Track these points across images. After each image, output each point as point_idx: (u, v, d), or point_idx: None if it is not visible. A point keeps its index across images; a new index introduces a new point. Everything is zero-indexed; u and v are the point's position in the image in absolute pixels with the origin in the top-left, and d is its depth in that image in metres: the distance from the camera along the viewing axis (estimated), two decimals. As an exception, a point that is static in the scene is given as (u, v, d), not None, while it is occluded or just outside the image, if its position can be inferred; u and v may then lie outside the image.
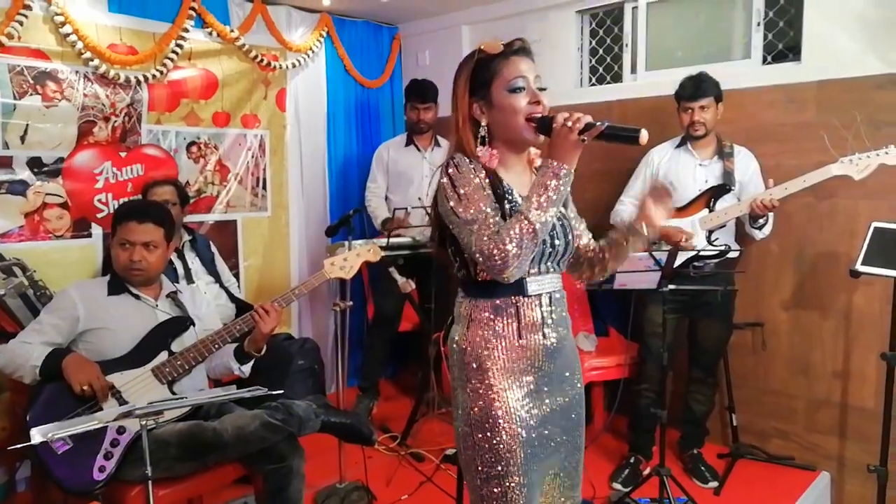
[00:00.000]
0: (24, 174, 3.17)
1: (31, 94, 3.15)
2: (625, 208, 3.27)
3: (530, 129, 1.58)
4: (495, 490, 1.59)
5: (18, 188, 3.16)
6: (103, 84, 3.38)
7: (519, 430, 1.58)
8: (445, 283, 3.24)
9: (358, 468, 3.01)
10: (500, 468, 1.58)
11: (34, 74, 3.15)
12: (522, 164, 1.70)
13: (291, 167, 4.30)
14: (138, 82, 3.49)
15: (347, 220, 3.11)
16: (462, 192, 1.55)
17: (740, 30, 3.57)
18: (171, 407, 1.97)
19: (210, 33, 3.78)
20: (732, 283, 3.16)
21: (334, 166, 4.52)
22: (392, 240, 3.53)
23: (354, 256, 2.68)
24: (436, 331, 3.48)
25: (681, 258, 2.79)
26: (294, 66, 4.20)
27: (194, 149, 3.82)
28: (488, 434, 1.58)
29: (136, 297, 2.41)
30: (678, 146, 3.22)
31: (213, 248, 3.48)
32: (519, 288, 1.61)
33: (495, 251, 1.46)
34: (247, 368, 2.47)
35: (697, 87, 3.03)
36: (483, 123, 1.62)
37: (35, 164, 3.20)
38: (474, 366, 1.62)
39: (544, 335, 1.64)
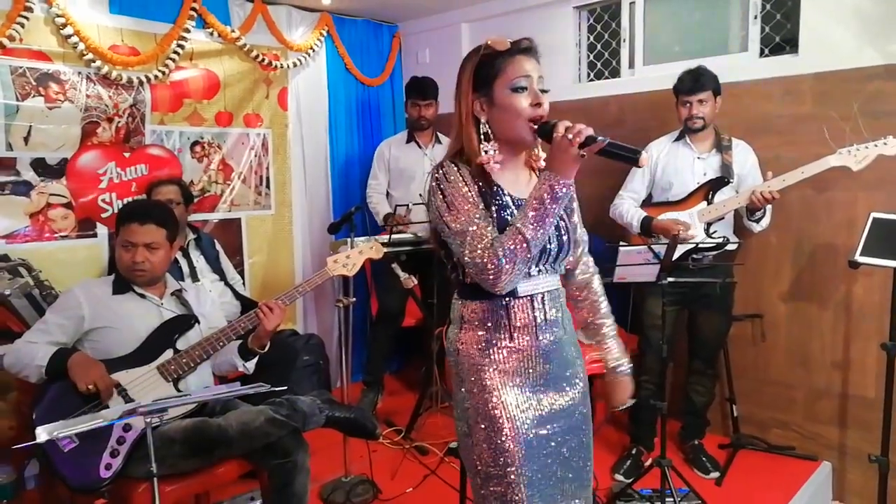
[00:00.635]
0: (28, 175, 3.20)
1: (34, 96, 3.18)
2: (623, 202, 3.28)
3: (530, 132, 1.56)
4: (496, 489, 1.59)
5: (22, 189, 3.19)
6: (106, 85, 3.41)
7: (515, 430, 1.58)
8: (447, 279, 3.26)
9: (363, 462, 3.04)
10: (498, 468, 1.58)
11: (37, 76, 3.18)
12: (519, 164, 1.68)
13: (294, 165, 4.33)
14: (141, 83, 3.52)
15: (349, 218, 3.14)
16: (450, 200, 1.54)
17: (737, 23, 3.57)
18: (176, 404, 1.99)
19: (211, 33, 3.81)
20: (731, 276, 3.17)
21: (336, 164, 4.55)
22: (394, 236, 3.56)
23: (357, 254, 2.70)
24: (438, 326, 3.51)
25: (680, 251, 2.81)
26: (295, 65, 4.22)
27: (198, 148, 3.85)
28: (486, 434, 1.59)
29: (142, 295, 2.43)
30: (676, 140, 3.24)
31: (218, 247, 3.51)
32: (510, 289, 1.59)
33: (489, 265, 1.47)
34: (251, 365, 2.48)
35: (696, 81, 3.04)
36: (483, 120, 1.60)
37: (39, 165, 3.23)
38: (469, 367, 1.62)
39: (537, 336, 1.63)
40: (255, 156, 4.13)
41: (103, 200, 3.45)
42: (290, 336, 3.42)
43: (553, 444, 1.65)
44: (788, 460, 3.25)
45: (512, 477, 1.57)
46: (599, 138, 1.45)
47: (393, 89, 4.89)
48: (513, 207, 1.59)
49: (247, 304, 3.28)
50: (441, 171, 1.58)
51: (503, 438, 1.57)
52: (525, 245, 1.47)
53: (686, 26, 3.81)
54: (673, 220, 3.03)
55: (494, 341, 1.61)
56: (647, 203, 3.30)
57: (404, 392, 4.40)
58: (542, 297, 1.64)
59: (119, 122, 3.48)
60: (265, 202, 4.21)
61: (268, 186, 4.21)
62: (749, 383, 3.46)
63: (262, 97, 4.12)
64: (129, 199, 3.46)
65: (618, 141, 1.46)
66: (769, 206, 3.00)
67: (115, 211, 3.41)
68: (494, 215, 1.56)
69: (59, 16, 3.18)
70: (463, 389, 1.64)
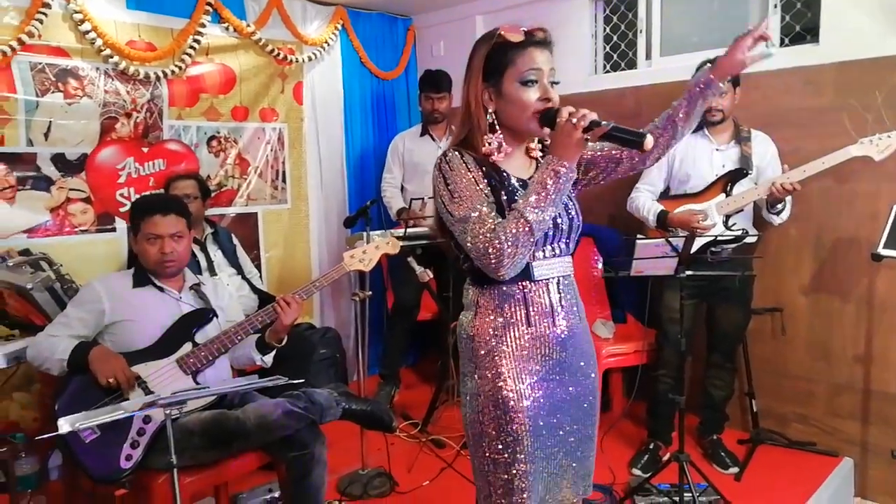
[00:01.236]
0: (49, 170, 3.23)
1: (53, 92, 3.20)
2: (640, 195, 3.25)
3: (535, 122, 1.56)
4: (503, 476, 1.59)
5: (43, 184, 3.22)
6: (123, 80, 3.43)
7: (527, 417, 1.58)
8: (458, 268, 3.26)
9: (380, 455, 3.05)
10: (507, 455, 1.58)
11: (55, 72, 3.21)
12: (522, 149, 1.69)
13: (310, 159, 4.34)
14: (158, 78, 3.54)
15: (365, 211, 3.14)
16: (453, 188, 1.54)
17: (757, 12, 3.52)
18: (195, 397, 2.00)
19: (226, 28, 3.82)
20: (750, 269, 3.14)
21: (351, 158, 4.55)
22: (409, 230, 3.56)
23: (373, 249, 2.71)
24: (454, 319, 3.49)
25: (698, 244, 2.78)
26: (310, 59, 4.23)
27: (214, 143, 3.87)
28: (497, 421, 1.58)
29: (161, 289, 2.45)
30: (695, 131, 3.19)
31: (235, 241, 3.53)
32: (525, 273, 1.59)
33: (490, 250, 1.46)
34: (268, 359, 2.50)
35: (714, 72, 3.00)
36: (490, 110, 1.60)
37: (59, 160, 3.26)
38: (483, 353, 1.62)
39: (555, 322, 1.63)
40: (271, 150, 4.14)
41: (122, 195, 3.48)
42: (307, 329, 3.43)
43: (561, 432, 1.66)
44: (809, 456, 3.21)
45: (520, 465, 1.58)
46: (603, 123, 1.45)
47: (408, 82, 4.88)
48: (521, 191, 1.59)
49: (264, 298, 3.30)
50: (445, 160, 1.59)
51: (514, 426, 1.57)
52: (528, 229, 1.46)
53: (704, 16, 3.76)
54: (688, 211, 2.99)
55: (511, 327, 1.61)
56: (665, 196, 3.26)
57: (420, 385, 4.40)
58: (558, 282, 1.64)
59: (137, 117, 3.51)
60: (281, 196, 4.23)
61: (284, 181, 4.22)
62: (769, 377, 3.42)
63: (278, 91, 4.13)
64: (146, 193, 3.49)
65: (622, 125, 1.46)
66: (789, 198, 2.96)
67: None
68: (504, 197, 1.56)
69: (76, 12, 3.21)
70: (474, 376, 1.64)
